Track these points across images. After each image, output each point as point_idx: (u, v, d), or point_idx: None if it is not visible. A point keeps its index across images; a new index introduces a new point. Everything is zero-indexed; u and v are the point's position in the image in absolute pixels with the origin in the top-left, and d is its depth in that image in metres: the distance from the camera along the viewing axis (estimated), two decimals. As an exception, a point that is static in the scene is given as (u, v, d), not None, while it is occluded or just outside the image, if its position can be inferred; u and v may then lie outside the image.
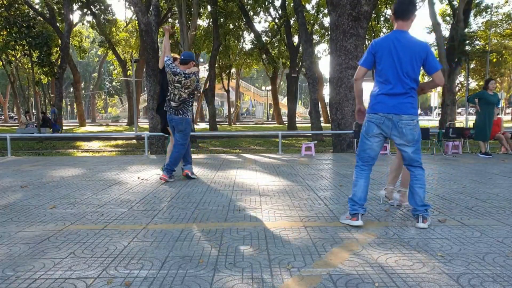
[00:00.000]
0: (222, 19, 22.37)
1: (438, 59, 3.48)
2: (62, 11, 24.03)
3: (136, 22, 28.60)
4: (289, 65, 25.87)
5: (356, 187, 3.19)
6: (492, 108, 8.02)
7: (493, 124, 8.51)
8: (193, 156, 9.32)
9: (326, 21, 27.29)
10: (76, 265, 2.35)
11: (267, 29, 28.74)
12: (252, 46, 27.67)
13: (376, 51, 3.12)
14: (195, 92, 5.37)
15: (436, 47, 21.16)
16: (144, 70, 17.14)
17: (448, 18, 25.07)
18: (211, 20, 22.87)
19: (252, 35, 26.85)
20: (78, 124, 32.23)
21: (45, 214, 3.59)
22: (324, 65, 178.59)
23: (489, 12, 23.80)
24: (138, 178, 5.71)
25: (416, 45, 3.07)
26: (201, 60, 43.81)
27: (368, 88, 4.22)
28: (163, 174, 5.28)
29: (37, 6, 26.27)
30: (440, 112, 17.32)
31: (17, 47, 18.32)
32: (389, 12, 24.73)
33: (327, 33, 25.86)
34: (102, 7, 28.13)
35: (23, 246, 2.70)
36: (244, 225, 3.18)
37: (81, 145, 16.63)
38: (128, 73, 34.76)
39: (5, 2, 17.68)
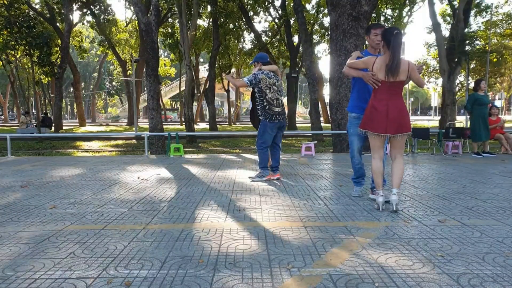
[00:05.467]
0: (222, 19, 22.35)
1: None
2: (62, 11, 24.05)
3: (136, 22, 28.63)
4: (289, 65, 25.86)
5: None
6: (485, 109, 8.04)
7: (490, 124, 8.51)
8: (193, 156, 9.32)
9: (326, 21, 27.28)
10: (76, 265, 2.35)
11: (267, 29, 28.72)
12: (252, 46, 27.66)
13: None
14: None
15: (436, 47, 21.14)
16: (144, 70, 17.12)
17: (448, 18, 25.05)
18: (211, 20, 22.88)
19: (252, 35, 26.84)
20: (78, 124, 32.23)
21: (45, 214, 3.59)
22: (324, 65, 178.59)
23: (489, 12, 23.79)
24: (138, 178, 5.71)
25: None
26: (201, 60, 43.83)
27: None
28: (277, 173, 5.51)
29: (37, 6, 26.27)
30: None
31: (18, 47, 18.34)
32: (389, 12, 24.72)
33: (327, 33, 25.83)
34: (102, 7, 28.15)
35: (23, 246, 2.69)
36: (244, 225, 3.18)
37: (81, 145, 16.63)
38: (128, 73, 34.76)
39: (5, 2, 17.68)
